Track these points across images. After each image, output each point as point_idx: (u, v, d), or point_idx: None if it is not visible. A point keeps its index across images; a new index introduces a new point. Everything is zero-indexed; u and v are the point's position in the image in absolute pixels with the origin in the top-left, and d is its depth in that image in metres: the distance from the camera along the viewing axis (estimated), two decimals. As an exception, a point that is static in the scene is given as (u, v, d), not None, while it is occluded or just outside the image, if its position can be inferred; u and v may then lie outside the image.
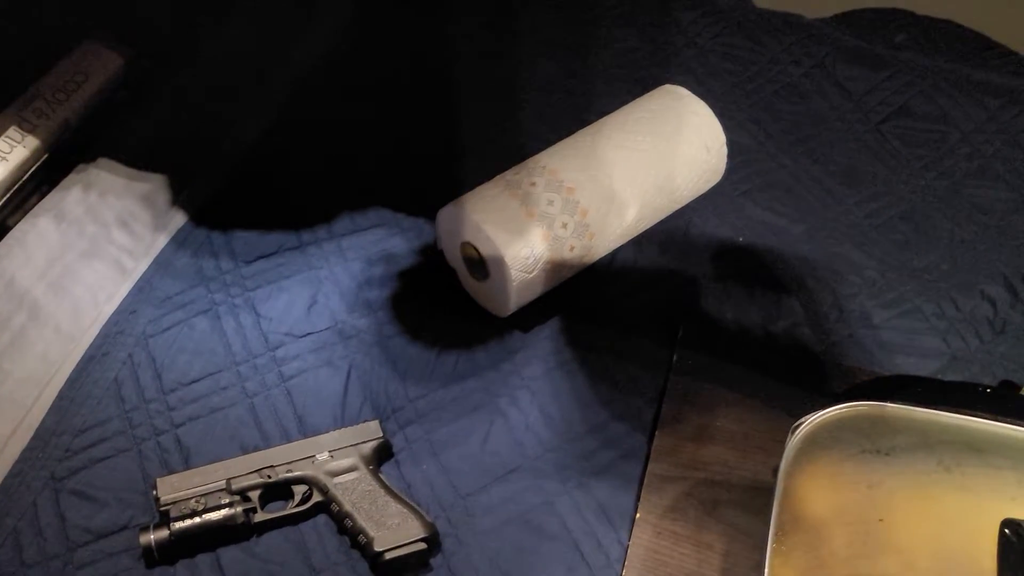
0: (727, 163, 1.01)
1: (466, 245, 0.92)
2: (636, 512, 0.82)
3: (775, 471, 0.82)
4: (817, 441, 0.69)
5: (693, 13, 1.28)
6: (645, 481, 0.84)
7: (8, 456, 0.82)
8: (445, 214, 0.94)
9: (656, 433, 0.87)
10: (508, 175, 0.93)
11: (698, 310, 0.97)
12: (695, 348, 0.93)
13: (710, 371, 0.92)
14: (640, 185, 0.94)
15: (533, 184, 0.91)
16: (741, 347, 0.94)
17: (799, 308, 0.97)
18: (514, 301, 0.90)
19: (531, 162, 0.94)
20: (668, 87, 1.02)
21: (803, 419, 0.70)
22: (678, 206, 1.01)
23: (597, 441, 0.86)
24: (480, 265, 0.91)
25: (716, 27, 1.26)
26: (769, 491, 0.79)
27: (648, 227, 0.99)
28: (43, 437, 0.83)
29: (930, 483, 0.64)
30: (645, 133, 0.97)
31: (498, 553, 0.79)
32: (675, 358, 0.92)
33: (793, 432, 0.70)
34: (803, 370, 0.92)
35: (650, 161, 0.96)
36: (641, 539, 0.80)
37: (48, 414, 0.85)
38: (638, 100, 1.01)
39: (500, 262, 0.87)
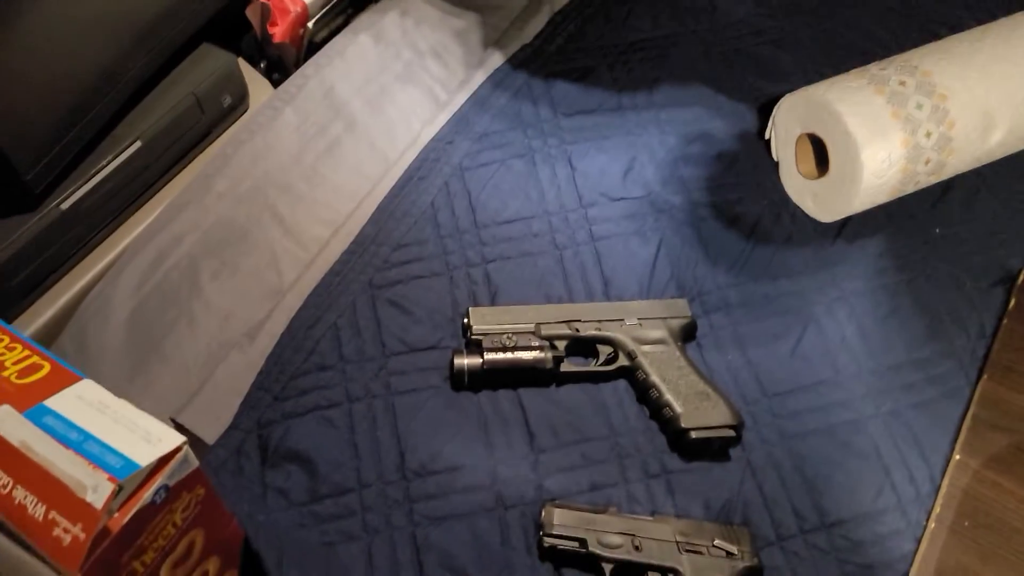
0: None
1: (808, 136, 0.85)
2: (953, 453, 0.76)
3: None
4: None
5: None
6: (968, 424, 0.77)
7: (328, 256, 0.84)
8: (793, 100, 0.87)
9: (983, 378, 0.79)
10: (873, 69, 0.84)
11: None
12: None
13: (1049, 324, 0.83)
14: (1017, 106, 0.84)
15: (903, 83, 0.82)
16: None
17: None
18: (856, 205, 0.83)
19: (900, 59, 0.85)
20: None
21: None
22: (1047, 139, 0.90)
23: (918, 374, 0.80)
24: (820, 160, 0.84)
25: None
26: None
27: (1009, 153, 0.88)
28: (362, 244, 0.84)
29: None
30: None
31: (804, 459, 0.75)
32: (1011, 303, 0.84)
33: None
34: None
35: (1033, 81, 0.85)
36: (959, 482, 0.74)
37: (367, 224, 0.85)
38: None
39: (855, 160, 0.80)
